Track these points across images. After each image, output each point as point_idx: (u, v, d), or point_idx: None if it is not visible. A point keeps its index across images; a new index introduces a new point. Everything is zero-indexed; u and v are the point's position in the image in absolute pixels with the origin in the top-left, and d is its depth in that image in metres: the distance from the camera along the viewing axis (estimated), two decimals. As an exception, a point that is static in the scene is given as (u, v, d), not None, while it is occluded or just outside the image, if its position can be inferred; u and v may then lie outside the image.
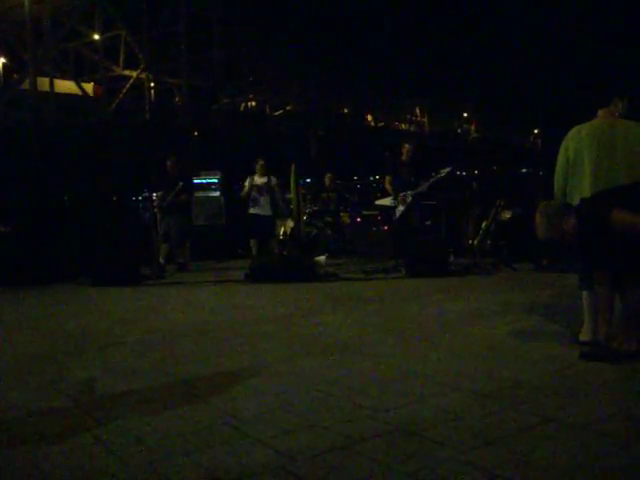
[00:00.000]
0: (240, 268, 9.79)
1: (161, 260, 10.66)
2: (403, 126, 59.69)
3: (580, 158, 4.78)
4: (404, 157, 10.41)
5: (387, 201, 10.37)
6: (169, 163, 10.97)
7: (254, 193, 11.06)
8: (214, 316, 6.64)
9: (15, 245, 9.61)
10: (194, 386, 4.12)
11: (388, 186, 10.31)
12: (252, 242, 11.24)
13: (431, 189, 10.25)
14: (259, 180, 11.12)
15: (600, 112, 4.81)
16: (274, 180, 11.12)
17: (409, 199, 9.99)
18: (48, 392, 4.04)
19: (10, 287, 8.88)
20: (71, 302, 7.96)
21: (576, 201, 4.74)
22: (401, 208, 10.05)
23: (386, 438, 3.12)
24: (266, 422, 3.39)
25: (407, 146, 10.57)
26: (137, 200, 15.76)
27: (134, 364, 4.69)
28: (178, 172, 10.96)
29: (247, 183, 11.17)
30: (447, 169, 10.21)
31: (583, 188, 4.73)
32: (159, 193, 10.93)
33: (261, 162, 11.22)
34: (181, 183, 10.65)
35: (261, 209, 10.98)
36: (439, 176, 10.20)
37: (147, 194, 12.04)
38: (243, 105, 47.95)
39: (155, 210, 10.91)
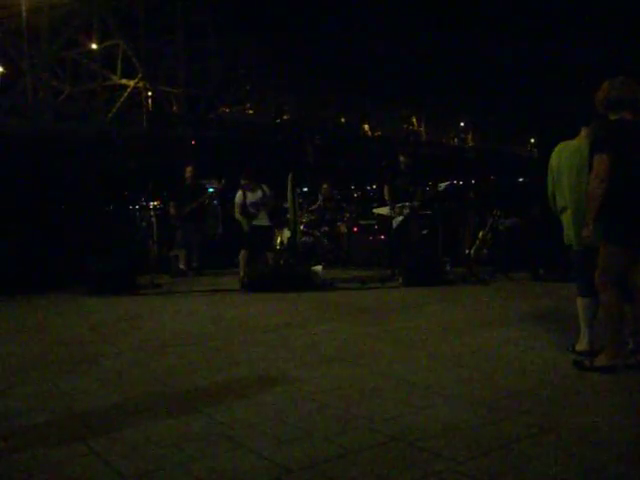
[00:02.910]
0: (237, 277, 9.76)
1: (181, 266, 10.85)
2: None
3: (560, 178, 4.89)
4: (401, 167, 10.36)
5: (385, 210, 10.34)
6: (189, 169, 11.12)
7: (251, 209, 10.51)
8: (210, 326, 6.62)
9: (11, 253, 9.58)
10: (189, 396, 4.10)
11: (387, 197, 10.25)
12: (242, 253, 10.19)
13: (429, 201, 10.23)
14: (252, 196, 10.21)
15: (583, 131, 4.85)
16: (267, 190, 10.28)
17: (407, 211, 9.97)
18: (43, 401, 4.03)
19: (5, 296, 8.84)
20: (67, 311, 7.93)
21: (561, 214, 4.94)
22: (399, 219, 10.03)
23: (382, 448, 3.12)
24: (261, 432, 3.38)
25: (402, 158, 10.50)
26: (134, 209, 15.73)
27: (129, 373, 4.68)
28: (195, 180, 11.19)
29: (237, 200, 10.22)
30: (446, 183, 10.17)
31: (564, 207, 4.89)
32: (172, 202, 11.06)
33: (245, 181, 10.19)
34: (211, 190, 11.11)
35: (260, 221, 10.53)
36: (438, 190, 10.17)
37: (144, 203, 12.08)
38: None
39: (172, 220, 10.99)
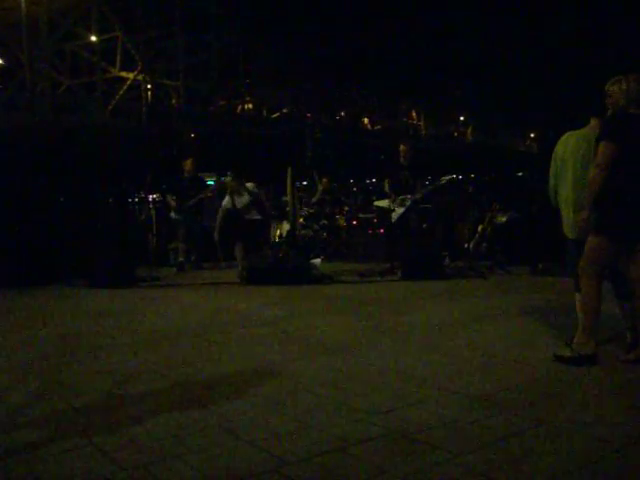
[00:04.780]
0: (235, 270, 9.76)
1: (181, 259, 10.87)
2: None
3: (565, 167, 4.83)
4: (402, 159, 10.35)
5: (385, 203, 10.34)
6: (189, 162, 11.08)
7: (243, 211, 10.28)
8: (209, 318, 6.63)
9: (10, 246, 9.58)
10: (188, 388, 4.11)
11: (388, 189, 10.25)
12: (238, 247, 10.25)
13: (430, 194, 10.22)
14: (240, 201, 10.14)
15: (592, 121, 4.81)
16: (253, 189, 10.28)
17: (407, 203, 9.95)
18: (43, 395, 4.03)
19: (4, 288, 8.85)
20: (66, 303, 7.93)
21: (562, 205, 4.89)
22: (399, 211, 10.01)
23: (380, 441, 3.12)
24: (260, 425, 3.39)
25: (402, 147, 10.46)
26: (133, 201, 15.72)
27: (129, 366, 4.68)
28: (194, 173, 11.22)
29: (227, 205, 10.19)
30: (448, 177, 10.16)
31: (567, 197, 4.82)
32: (171, 195, 11.02)
33: (229, 179, 10.16)
34: (211, 183, 11.03)
35: (251, 215, 10.50)
36: (440, 183, 10.15)
37: (144, 195, 12.07)
38: (240, 107, 47.98)
39: (172, 213, 10.95)
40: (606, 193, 4.16)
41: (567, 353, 4.32)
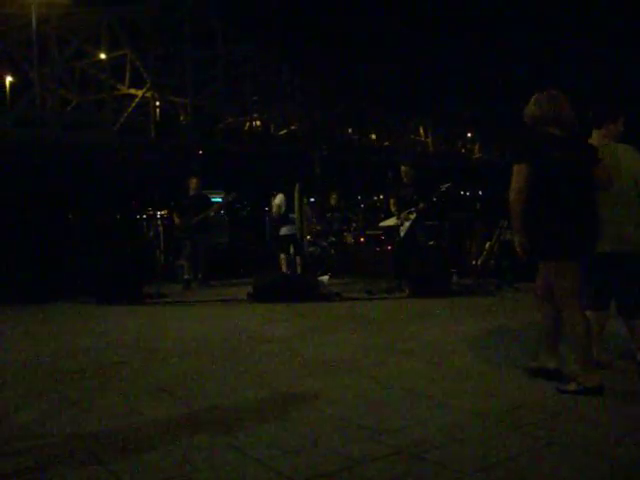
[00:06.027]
0: (243, 286, 9.76)
1: (187, 276, 10.87)
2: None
3: None
4: (404, 179, 10.39)
5: (391, 221, 10.34)
6: (194, 180, 11.12)
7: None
8: (216, 336, 6.62)
9: (19, 262, 9.62)
10: (195, 407, 4.10)
11: (393, 208, 10.26)
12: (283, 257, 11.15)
13: (433, 205, 10.21)
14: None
15: (594, 133, 4.77)
16: (278, 201, 11.27)
17: (412, 216, 9.95)
18: (53, 414, 4.03)
19: (15, 304, 8.87)
20: (75, 320, 7.95)
21: None
22: (406, 224, 10.01)
23: (388, 460, 3.11)
24: (267, 443, 3.37)
25: (404, 168, 10.50)
26: (141, 218, 15.79)
27: (136, 385, 4.68)
28: (199, 191, 11.26)
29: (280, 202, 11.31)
30: (447, 184, 10.15)
31: None
32: (177, 213, 11.06)
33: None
34: (219, 200, 11.42)
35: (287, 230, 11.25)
36: (439, 191, 10.15)
37: (151, 212, 12.12)
38: (248, 124, 48.19)
39: (177, 231, 10.99)
40: (529, 217, 4.09)
41: (572, 387, 4.11)
